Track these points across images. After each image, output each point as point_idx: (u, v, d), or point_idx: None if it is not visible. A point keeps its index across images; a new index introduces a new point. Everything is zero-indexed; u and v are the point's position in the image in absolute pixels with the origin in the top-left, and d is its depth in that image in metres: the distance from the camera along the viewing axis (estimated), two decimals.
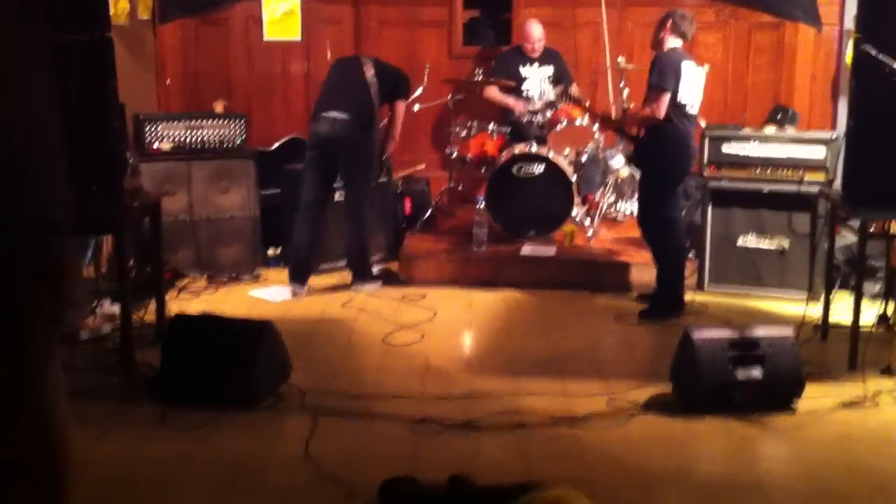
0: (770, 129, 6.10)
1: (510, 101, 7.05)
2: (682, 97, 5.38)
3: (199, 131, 6.28)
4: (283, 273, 6.14)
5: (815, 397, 4.29)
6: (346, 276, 6.17)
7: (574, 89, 7.07)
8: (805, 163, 5.85)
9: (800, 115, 7.02)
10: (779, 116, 6.89)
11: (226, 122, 6.37)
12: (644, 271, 5.96)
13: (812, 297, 5.58)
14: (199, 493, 3.52)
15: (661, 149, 5.47)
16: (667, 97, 5.31)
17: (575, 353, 5.07)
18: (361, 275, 6.06)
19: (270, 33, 7.49)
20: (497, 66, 7.26)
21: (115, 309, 5.05)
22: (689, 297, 5.68)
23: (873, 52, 4.56)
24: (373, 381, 4.58)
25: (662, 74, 5.33)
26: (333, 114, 5.82)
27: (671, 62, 5.38)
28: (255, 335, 4.28)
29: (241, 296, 6.00)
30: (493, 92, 7.14)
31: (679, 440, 3.99)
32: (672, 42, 5.48)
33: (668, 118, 5.35)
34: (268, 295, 5.98)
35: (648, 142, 5.54)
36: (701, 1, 7.58)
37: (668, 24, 5.47)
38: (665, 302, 5.53)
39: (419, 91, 6.93)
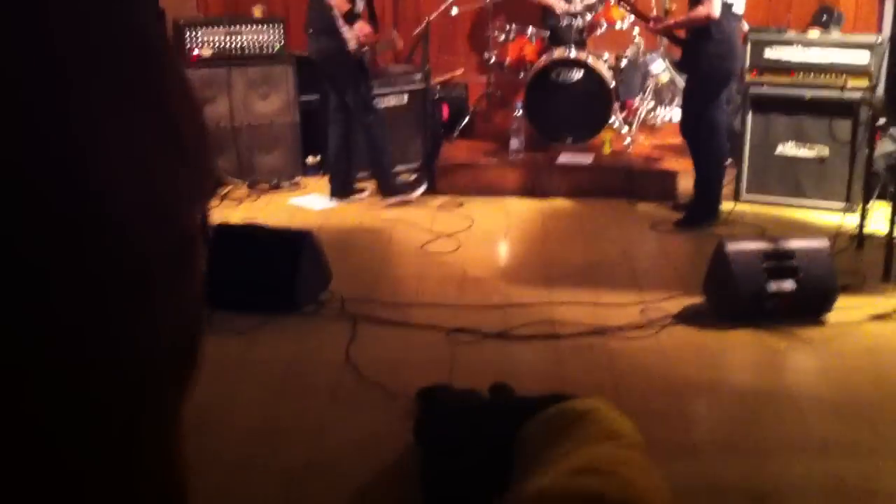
0: (814, 33, 5.98)
1: (555, 2, 6.93)
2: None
3: (239, 36, 6.29)
4: (323, 181, 6.23)
5: (847, 308, 4.34)
6: None
7: None
8: (848, 68, 5.75)
9: (845, 15, 6.85)
10: (823, 18, 6.74)
11: (265, 26, 6.37)
12: (682, 179, 5.97)
13: (850, 206, 5.58)
14: (248, 393, 3.68)
15: (707, 50, 5.34)
16: None
17: (610, 262, 5.13)
18: (384, 186, 6.09)
19: None
20: None
21: None
22: (726, 206, 5.70)
23: None
24: (410, 290, 4.69)
25: None
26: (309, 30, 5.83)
27: None
28: (296, 245, 4.40)
29: (282, 204, 6.11)
30: None
31: (710, 350, 4.08)
32: None
33: (715, 19, 5.23)
34: (308, 202, 6.08)
35: (694, 44, 5.44)
36: None
37: None
38: (701, 210, 5.53)
39: None
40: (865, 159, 5.31)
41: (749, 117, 5.98)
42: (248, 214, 5.74)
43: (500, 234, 5.63)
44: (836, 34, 6.00)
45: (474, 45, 7.64)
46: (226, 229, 4.69)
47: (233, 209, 5.87)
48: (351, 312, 4.32)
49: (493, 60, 6.96)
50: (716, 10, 5.17)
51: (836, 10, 6.85)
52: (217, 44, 6.24)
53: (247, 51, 6.32)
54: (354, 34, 5.62)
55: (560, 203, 6.13)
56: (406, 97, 6.59)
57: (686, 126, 5.60)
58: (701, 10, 5.25)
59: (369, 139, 5.91)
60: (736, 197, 6.01)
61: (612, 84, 6.50)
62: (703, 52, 5.40)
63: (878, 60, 5.65)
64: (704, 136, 5.48)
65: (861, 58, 5.72)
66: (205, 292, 0.60)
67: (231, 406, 3.57)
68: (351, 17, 5.62)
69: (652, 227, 5.62)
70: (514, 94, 6.92)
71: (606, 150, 6.55)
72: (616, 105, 6.56)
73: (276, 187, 6.35)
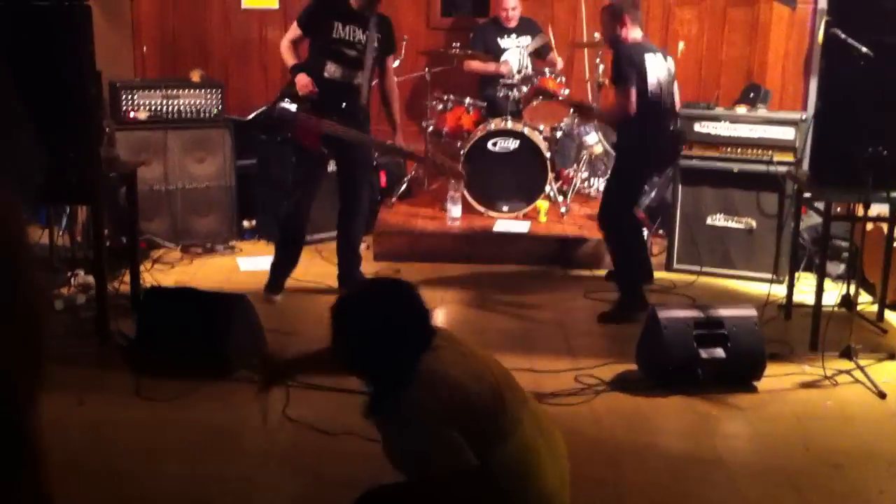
0: (741, 109, 6.18)
1: (492, 67, 7.05)
2: (652, 93, 5.15)
3: (176, 100, 6.28)
4: (258, 245, 6.19)
5: (777, 376, 4.44)
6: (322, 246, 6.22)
7: (549, 78, 7.03)
8: (774, 143, 5.94)
9: (772, 93, 7.11)
10: (751, 94, 6.97)
11: (202, 90, 6.38)
12: None
13: (778, 276, 5.71)
14: (176, 458, 3.60)
15: (627, 146, 5.37)
16: (633, 93, 5.05)
17: (544, 328, 5.17)
18: None
19: (248, 1, 7.46)
20: (475, 37, 7.27)
21: (90, 279, 5.10)
22: (657, 275, 5.80)
23: (842, 35, 4.62)
24: None
25: (623, 72, 5.09)
26: None
27: (634, 57, 5.12)
28: (229, 308, 4.35)
29: (216, 267, 6.05)
30: (473, 63, 7.15)
31: (643, 416, 4.11)
32: (633, 33, 5.22)
33: (638, 115, 5.10)
34: (255, 264, 5.98)
35: (619, 138, 5.51)
36: None
37: (626, 18, 5.17)
38: (626, 302, 5.34)
39: (396, 63, 6.93)
40: (792, 232, 5.47)
41: (679, 189, 6.12)
42: (181, 278, 5.67)
43: (437, 299, 5.62)
44: (762, 111, 6.21)
45: (412, 113, 7.73)
46: (157, 292, 4.63)
47: (166, 273, 5.79)
48: None
49: (431, 128, 7.04)
50: (631, 107, 5.05)
51: (763, 88, 7.10)
52: (154, 107, 6.22)
53: (184, 114, 6.31)
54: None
55: (496, 269, 6.17)
56: None
57: (604, 215, 5.50)
58: (619, 104, 5.17)
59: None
60: (667, 267, 6.13)
61: (548, 154, 6.62)
62: (624, 146, 5.43)
63: (802, 136, 5.86)
64: (619, 229, 5.45)
65: (787, 133, 5.92)
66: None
67: (158, 473, 3.48)
68: None
69: (585, 294, 5.68)
70: (452, 162, 6.98)
71: (542, 218, 6.64)
72: (551, 175, 6.67)
73: (211, 251, 6.29)
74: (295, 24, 5.18)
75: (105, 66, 5.35)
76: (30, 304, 0.91)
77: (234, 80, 7.38)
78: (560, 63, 7.12)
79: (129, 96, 6.16)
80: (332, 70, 5.13)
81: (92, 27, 4.43)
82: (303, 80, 5.07)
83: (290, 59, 5.15)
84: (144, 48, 7.33)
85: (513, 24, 7.15)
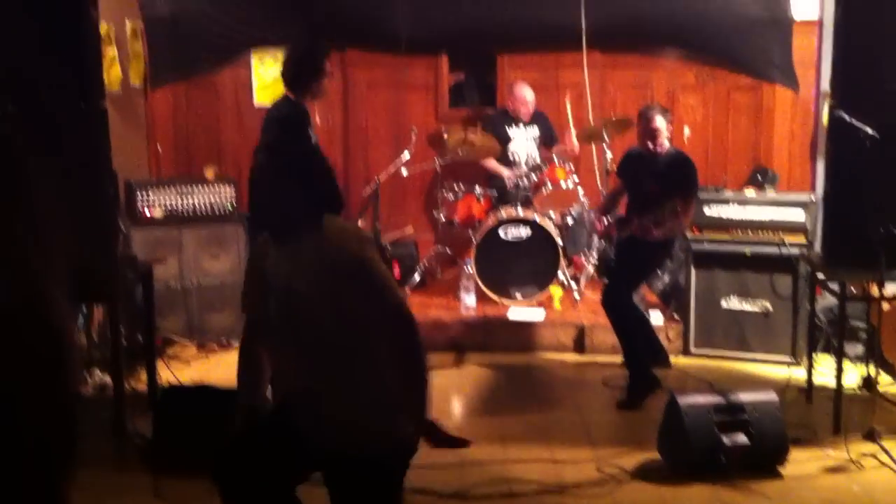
0: (750, 192, 6.22)
1: (503, 171, 7.16)
2: None
3: (190, 197, 6.36)
4: None
5: (801, 461, 4.37)
6: None
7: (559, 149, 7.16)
8: (785, 225, 5.97)
9: (779, 175, 7.17)
10: (759, 177, 7.04)
11: (216, 187, 6.46)
12: None
13: (796, 359, 5.68)
14: None
15: (665, 249, 5.52)
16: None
17: (563, 418, 5.12)
18: None
19: (260, 98, 7.61)
20: (485, 127, 7.38)
21: (107, 378, 5.09)
22: (673, 359, 5.77)
23: (846, 118, 4.66)
24: None
25: (695, 182, 5.40)
26: None
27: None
28: None
29: (232, 363, 5.98)
30: (487, 161, 7.24)
31: None
32: None
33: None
34: None
35: (661, 244, 5.48)
36: (680, 62, 7.75)
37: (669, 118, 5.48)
38: (639, 387, 5.34)
39: (406, 155, 7.04)
40: (808, 313, 5.45)
41: (693, 272, 6.13)
42: (197, 374, 5.66)
43: (453, 390, 5.60)
44: (771, 193, 6.25)
45: (423, 203, 7.80)
46: (174, 390, 4.61)
47: (182, 370, 5.77)
48: None
49: (442, 218, 7.10)
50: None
51: (771, 170, 7.17)
52: (168, 204, 6.30)
53: (198, 211, 6.38)
54: None
55: (513, 358, 6.15)
56: None
57: (611, 300, 5.49)
58: (689, 214, 5.41)
59: None
60: (684, 351, 6.10)
61: (560, 241, 6.65)
62: (662, 249, 5.52)
63: (812, 217, 5.89)
64: (626, 312, 5.47)
65: (796, 215, 5.95)
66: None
67: None
68: None
69: (604, 382, 5.64)
70: (464, 251, 7.03)
71: (556, 305, 6.65)
72: (564, 261, 6.70)
73: (227, 346, 6.29)
74: None
75: (121, 164, 5.43)
76: (72, 394, 1.29)
77: (246, 175, 7.45)
78: (576, 145, 7.17)
79: (145, 195, 6.24)
80: None
81: (108, 130, 4.51)
82: None
83: None
84: (159, 146, 7.45)
85: (527, 118, 7.26)
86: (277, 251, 2.92)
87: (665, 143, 5.40)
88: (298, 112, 5.07)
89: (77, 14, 4.29)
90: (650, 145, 5.38)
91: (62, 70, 4.27)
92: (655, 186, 5.32)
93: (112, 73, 6.53)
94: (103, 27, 6.12)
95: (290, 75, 5.11)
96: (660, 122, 5.36)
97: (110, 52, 6.49)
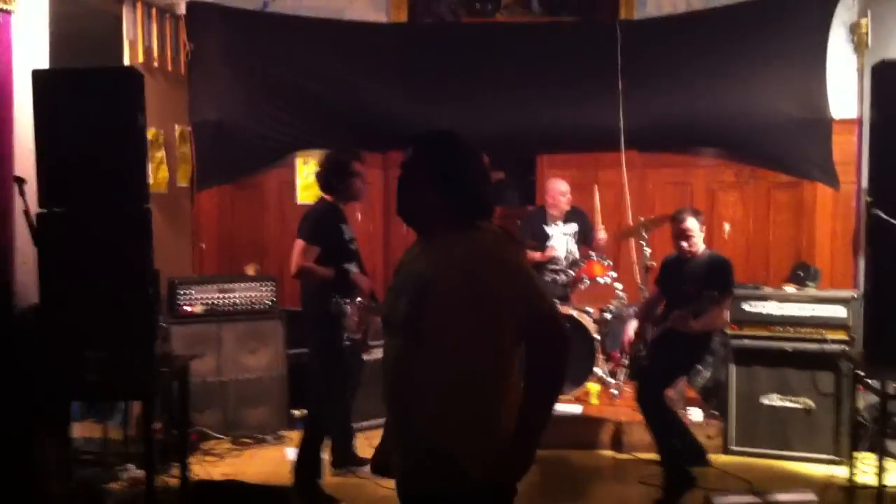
0: (790, 288, 6.17)
1: (537, 255, 7.18)
2: None
3: (231, 294, 6.49)
4: None
5: None
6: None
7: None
8: (826, 321, 5.88)
9: (821, 271, 7.09)
10: (800, 273, 6.97)
11: (257, 284, 6.58)
12: None
13: (839, 457, 5.53)
14: None
15: (702, 344, 5.53)
16: None
17: None
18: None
19: (303, 197, 7.78)
20: (523, 226, 7.44)
21: (141, 473, 5.12)
22: (714, 458, 5.65)
23: (884, 216, 4.62)
24: None
25: (731, 283, 5.44)
26: None
27: None
28: (275, 501, 4.33)
29: (265, 458, 6.05)
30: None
31: None
32: None
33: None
34: None
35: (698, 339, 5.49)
36: (720, 161, 7.79)
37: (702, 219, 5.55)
38: (676, 483, 5.24)
39: None
40: (850, 411, 5.33)
41: (733, 369, 6.04)
42: (231, 469, 5.67)
43: None
44: (812, 290, 6.18)
45: None
46: (204, 486, 4.63)
47: (215, 465, 5.80)
48: None
49: None
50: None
51: (813, 267, 7.10)
52: (209, 301, 6.42)
53: (238, 307, 6.50)
54: None
55: (549, 454, 6.05)
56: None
57: (650, 398, 5.42)
58: (724, 314, 5.47)
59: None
60: (724, 449, 5.98)
61: (597, 336, 6.62)
62: (701, 346, 5.55)
63: (855, 314, 5.80)
64: (661, 409, 5.39)
65: (838, 312, 5.87)
66: None
67: None
68: None
69: (640, 480, 5.53)
70: None
71: (594, 401, 6.58)
72: (601, 357, 6.65)
73: (261, 441, 6.32)
74: (302, 241, 5.31)
75: (164, 263, 5.58)
76: None
77: (287, 271, 7.58)
78: (604, 236, 7.21)
79: (186, 292, 6.38)
80: (352, 268, 5.36)
81: (151, 232, 4.63)
82: (364, 281, 5.34)
83: (321, 269, 5.29)
84: (203, 245, 7.63)
85: (562, 211, 7.31)
86: (422, 247, 2.82)
87: (699, 245, 5.43)
88: (329, 209, 5.31)
89: (126, 120, 4.47)
90: (684, 246, 5.40)
91: (109, 173, 4.44)
92: (693, 288, 5.31)
93: (159, 175, 6.75)
94: (152, 132, 6.37)
95: (321, 179, 5.38)
96: (691, 223, 5.39)
97: (158, 154, 6.73)
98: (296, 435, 6.42)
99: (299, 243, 5.20)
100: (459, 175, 2.74)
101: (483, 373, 2.62)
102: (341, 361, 5.26)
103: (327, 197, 5.36)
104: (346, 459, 5.72)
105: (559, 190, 7.30)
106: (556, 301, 6.78)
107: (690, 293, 5.29)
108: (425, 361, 2.61)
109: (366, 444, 6.08)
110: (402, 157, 2.82)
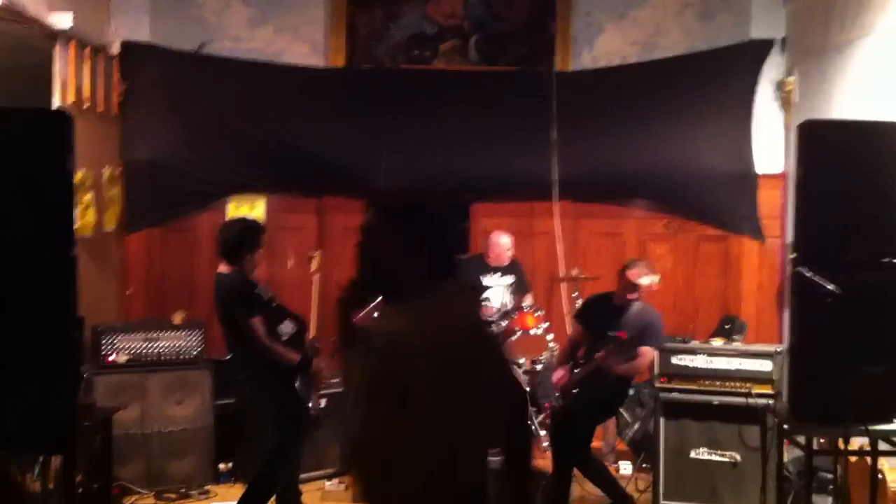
0: (717, 342, 6.25)
1: None
2: None
3: (156, 342, 6.35)
4: (233, 489, 6.05)
5: None
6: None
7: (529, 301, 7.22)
8: (752, 375, 5.97)
9: (747, 324, 7.20)
10: (727, 326, 7.08)
11: (184, 332, 6.45)
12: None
13: None
14: None
15: (617, 385, 5.64)
16: None
17: None
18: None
19: None
20: (459, 274, 7.40)
21: None
22: None
23: (808, 274, 4.70)
24: None
25: (661, 336, 5.66)
26: None
27: None
28: None
29: None
30: None
31: None
32: None
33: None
34: None
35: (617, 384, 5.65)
36: (650, 214, 7.91)
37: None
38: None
39: (379, 299, 7.05)
40: (777, 466, 5.39)
41: (662, 422, 6.09)
42: None
43: None
44: (738, 343, 6.28)
45: None
46: None
47: None
48: None
49: None
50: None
51: (739, 320, 7.21)
52: (134, 349, 6.27)
53: (164, 356, 6.35)
54: None
55: None
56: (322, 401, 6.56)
57: (569, 444, 5.60)
58: (644, 360, 5.60)
59: None
60: (654, 503, 5.99)
61: (528, 388, 6.62)
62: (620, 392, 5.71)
63: (779, 368, 5.89)
64: (582, 450, 5.59)
65: (764, 366, 5.97)
66: None
67: None
68: None
69: None
70: None
71: None
72: (532, 409, 6.64)
73: (185, 496, 6.15)
74: (258, 317, 5.29)
75: (89, 308, 5.45)
76: None
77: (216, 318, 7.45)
78: (530, 299, 7.28)
79: (110, 340, 6.22)
80: (287, 327, 5.42)
81: (76, 276, 4.50)
82: (323, 368, 5.57)
83: (288, 352, 5.27)
84: (129, 290, 7.46)
85: (504, 264, 7.33)
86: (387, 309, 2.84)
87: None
88: (242, 279, 5.40)
89: (54, 163, 4.35)
90: (629, 297, 5.48)
91: (32, 219, 4.31)
92: (623, 333, 5.37)
93: (87, 218, 6.60)
94: (80, 174, 6.23)
95: (230, 247, 5.45)
96: (646, 281, 5.50)
97: (86, 198, 6.58)
98: (222, 490, 6.30)
99: (257, 321, 5.18)
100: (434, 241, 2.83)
101: None
102: (301, 419, 5.22)
103: (229, 267, 5.37)
104: None
105: (503, 245, 7.32)
106: None
107: (619, 338, 5.36)
108: None
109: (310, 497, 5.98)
110: (368, 222, 2.86)
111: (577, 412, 5.59)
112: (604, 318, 5.65)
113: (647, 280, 5.51)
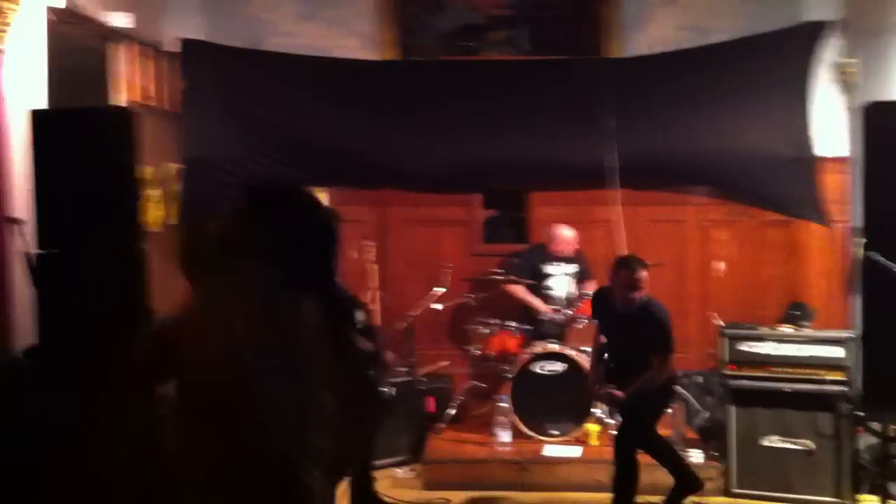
0: (786, 328, 6.16)
1: (536, 301, 7.17)
2: None
3: None
4: None
5: None
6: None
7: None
8: (824, 361, 5.88)
9: (815, 311, 7.08)
10: (796, 313, 6.96)
11: None
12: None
13: (841, 499, 5.50)
14: None
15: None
16: None
17: None
18: None
19: None
20: (520, 263, 7.40)
21: None
22: (714, 500, 5.61)
23: (878, 259, 4.61)
24: None
25: (671, 338, 5.32)
26: None
27: None
28: None
29: None
30: (518, 290, 7.25)
31: None
32: None
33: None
34: None
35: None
36: (709, 199, 7.80)
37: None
38: (685, 484, 5.38)
39: (441, 290, 7.10)
40: (851, 453, 5.31)
41: (732, 410, 6.02)
42: None
43: None
44: (808, 329, 6.18)
45: (458, 338, 7.79)
46: None
47: None
48: None
49: (477, 353, 7.08)
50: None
51: (807, 306, 7.09)
52: None
53: None
54: None
55: (549, 497, 6.01)
56: (393, 390, 6.59)
57: (634, 439, 5.41)
58: (667, 370, 5.33)
59: None
60: (725, 492, 5.95)
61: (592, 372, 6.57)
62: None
63: (852, 354, 5.78)
64: (648, 439, 5.42)
65: (836, 352, 5.86)
66: None
67: None
68: None
69: None
70: (499, 385, 6.97)
71: (593, 441, 6.53)
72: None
73: None
74: None
75: (161, 302, 5.49)
76: None
77: None
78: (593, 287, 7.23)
79: None
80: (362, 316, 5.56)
81: (146, 268, 4.56)
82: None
83: (362, 341, 5.34)
84: None
85: (567, 254, 7.31)
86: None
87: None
88: None
89: (119, 159, 4.41)
90: (631, 295, 5.26)
91: (104, 213, 4.39)
92: (630, 341, 5.31)
93: (155, 214, 6.68)
94: (149, 170, 6.30)
95: None
96: (645, 275, 5.27)
97: (154, 193, 6.66)
98: None
99: None
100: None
101: None
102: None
103: None
104: None
105: (568, 239, 7.31)
106: (554, 340, 6.76)
107: (632, 352, 5.31)
108: None
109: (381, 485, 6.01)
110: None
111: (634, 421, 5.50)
112: (604, 309, 5.48)
113: (646, 275, 5.29)
